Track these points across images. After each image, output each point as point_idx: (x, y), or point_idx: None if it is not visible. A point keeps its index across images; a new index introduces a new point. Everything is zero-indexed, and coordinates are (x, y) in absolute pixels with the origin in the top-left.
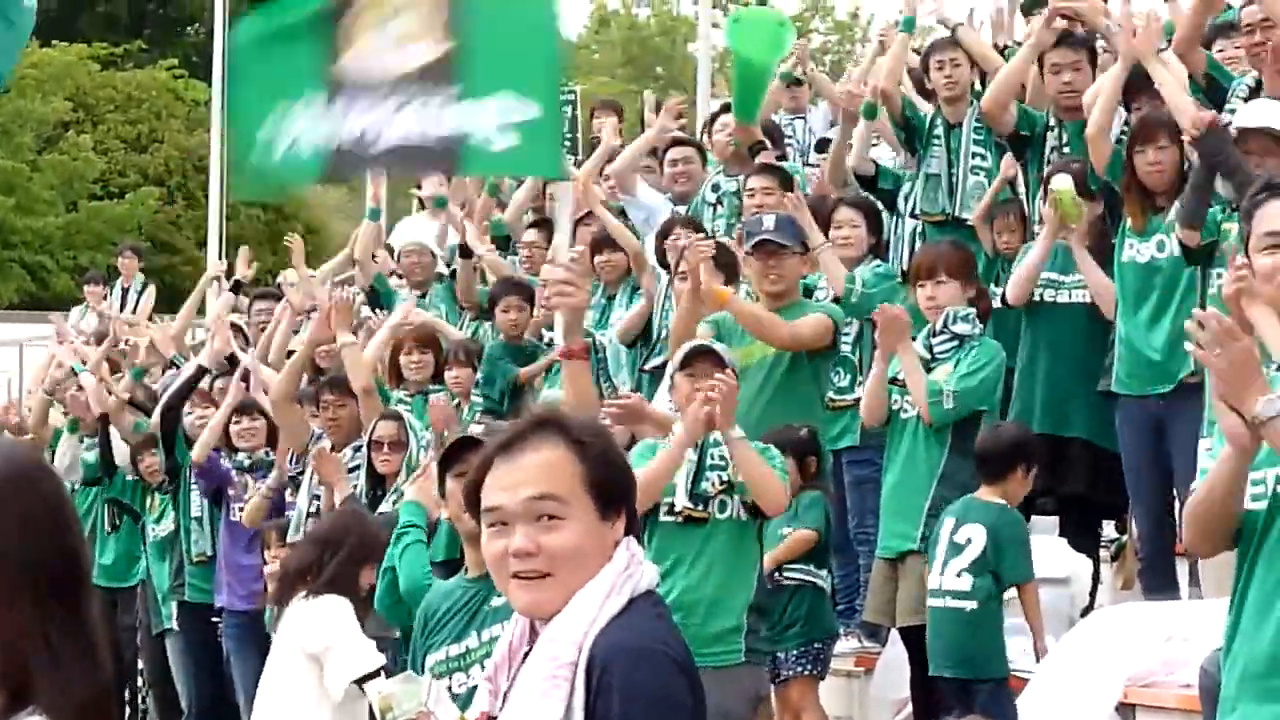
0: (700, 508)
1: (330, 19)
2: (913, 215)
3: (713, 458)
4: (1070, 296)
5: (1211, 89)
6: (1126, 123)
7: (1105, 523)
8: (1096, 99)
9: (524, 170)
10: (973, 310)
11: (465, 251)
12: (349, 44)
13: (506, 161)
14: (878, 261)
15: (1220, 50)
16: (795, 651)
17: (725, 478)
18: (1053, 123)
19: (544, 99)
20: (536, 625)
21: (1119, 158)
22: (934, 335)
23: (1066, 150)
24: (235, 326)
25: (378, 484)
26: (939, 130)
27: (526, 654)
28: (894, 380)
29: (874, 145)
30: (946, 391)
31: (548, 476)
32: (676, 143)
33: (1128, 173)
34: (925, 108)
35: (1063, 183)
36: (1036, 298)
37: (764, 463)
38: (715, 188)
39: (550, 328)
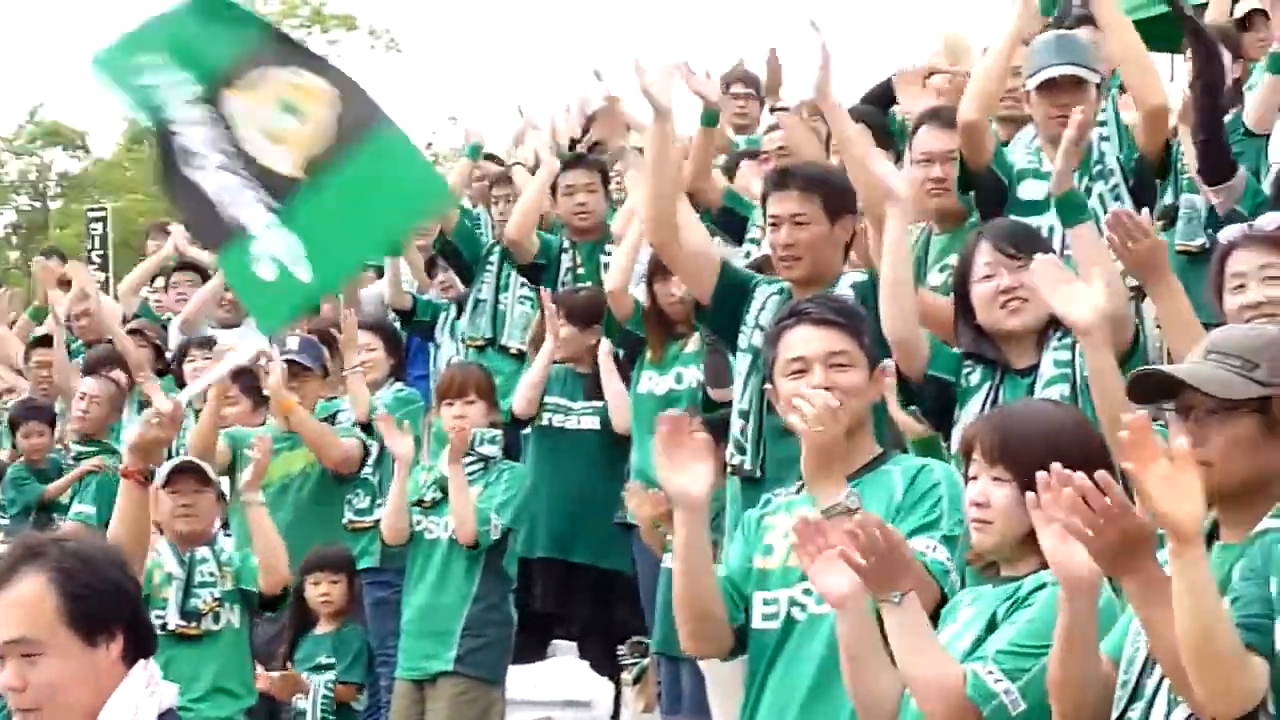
0: (193, 624)
1: (240, 50)
2: (460, 340)
3: (202, 574)
4: (579, 423)
5: (728, 219)
6: None
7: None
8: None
9: (250, 305)
10: (498, 433)
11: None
12: (238, 86)
13: (252, 287)
14: (399, 385)
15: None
16: None
17: (216, 594)
18: (567, 245)
19: (325, 279)
20: None
21: (639, 310)
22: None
23: (580, 272)
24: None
25: None
26: (493, 257)
27: None
28: (417, 502)
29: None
30: (495, 523)
31: (23, 617)
32: (182, 268)
33: (648, 303)
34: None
35: None
36: (545, 422)
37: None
38: None
39: (81, 441)
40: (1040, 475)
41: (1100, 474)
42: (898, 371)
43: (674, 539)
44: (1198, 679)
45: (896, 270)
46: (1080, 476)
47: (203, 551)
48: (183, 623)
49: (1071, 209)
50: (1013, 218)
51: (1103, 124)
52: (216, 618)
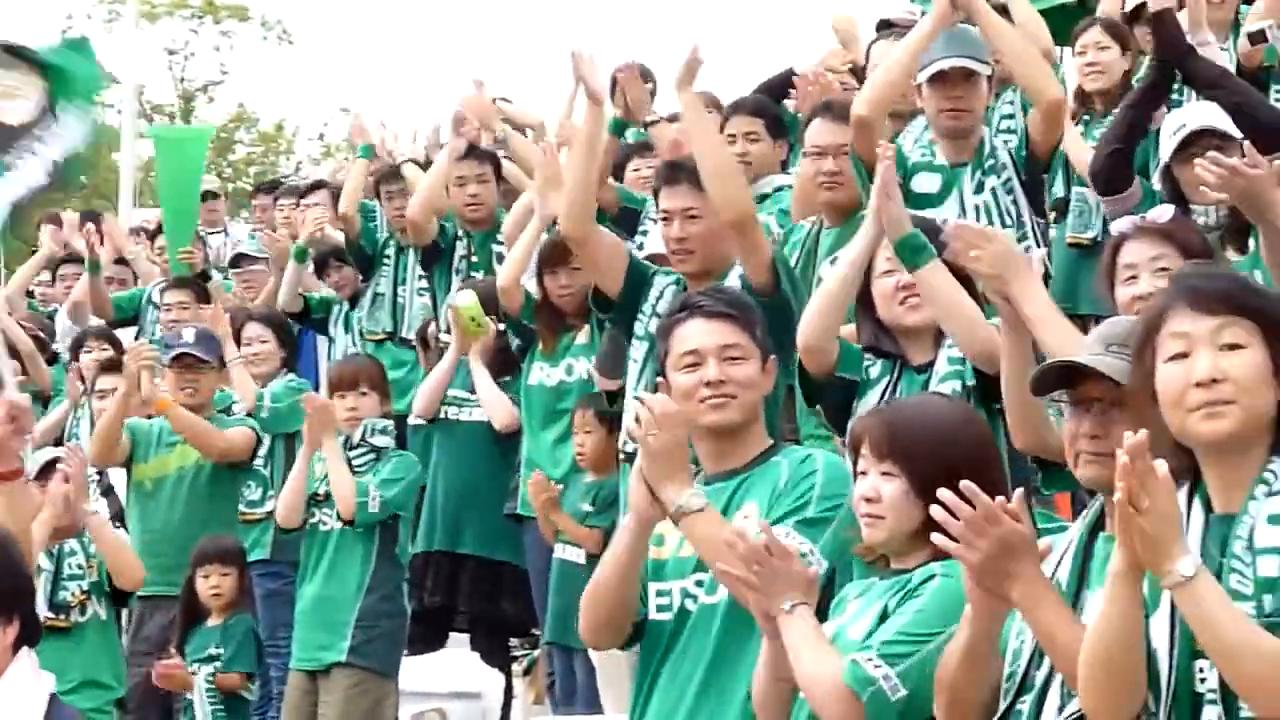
0: (61, 617)
1: None
2: (360, 335)
3: (70, 567)
4: (472, 414)
5: (624, 217)
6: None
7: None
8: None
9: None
10: (390, 423)
11: None
12: None
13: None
14: (290, 375)
15: (636, 170)
16: None
17: (84, 586)
18: (460, 233)
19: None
20: None
21: (530, 303)
22: (352, 448)
23: (474, 260)
24: None
25: None
26: (390, 251)
27: None
28: (311, 495)
29: None
30: (374, 495)
31: None
32: (69, 260)
33: (540, 296)
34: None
35: (464, 299)
36: (442, 414)
37: None
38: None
39: None
40: (939, 504)
41: (965, 484)
42: (802, 371)
43: (620, 538)
44: (1096, 702)
45: (847, 289)
46: (951, 496)
47: (71, 544)
48: (51, 615)
49: (910, 252)
50: (911, 212)
51: (1008, 116)
52: (84, 610)
